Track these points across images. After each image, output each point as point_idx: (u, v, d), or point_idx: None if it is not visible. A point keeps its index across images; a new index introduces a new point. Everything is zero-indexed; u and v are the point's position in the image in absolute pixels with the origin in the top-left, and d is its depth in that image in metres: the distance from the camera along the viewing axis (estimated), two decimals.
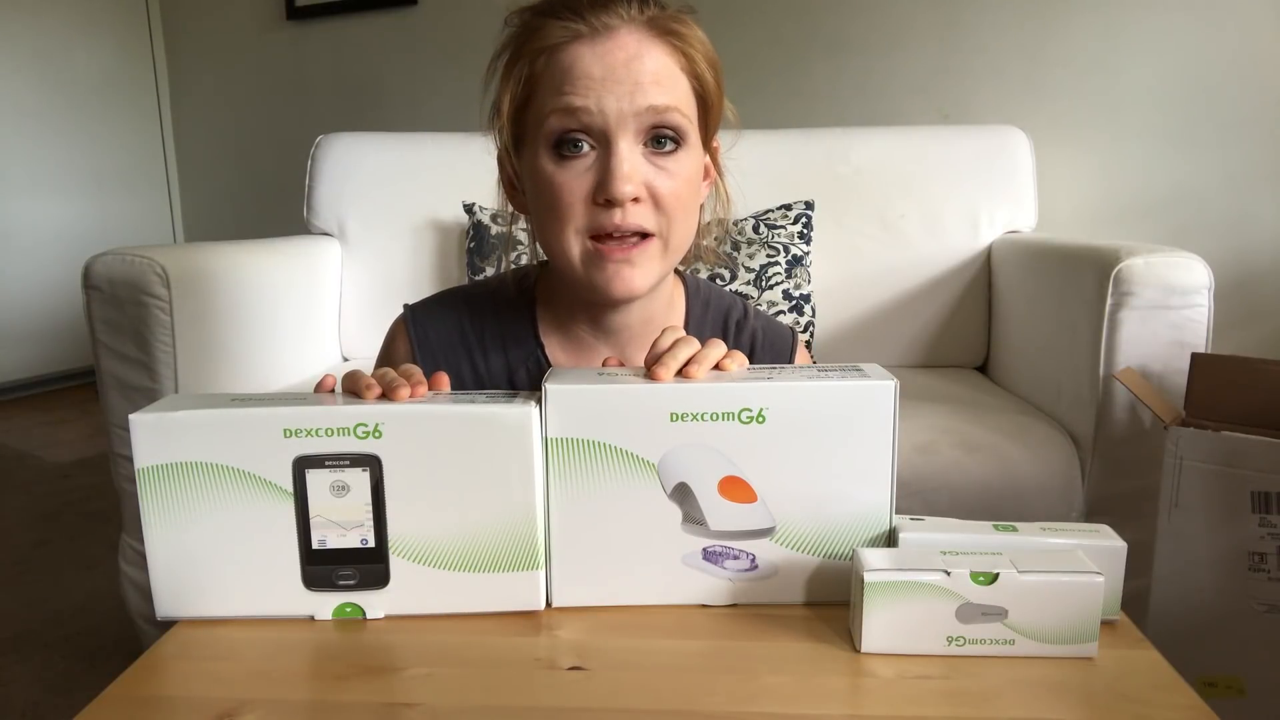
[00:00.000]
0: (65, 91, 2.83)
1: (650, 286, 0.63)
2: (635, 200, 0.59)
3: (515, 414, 0.49)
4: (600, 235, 0.60)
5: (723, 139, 0.71)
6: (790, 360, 0.74)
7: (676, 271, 0.73)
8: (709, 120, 0.65)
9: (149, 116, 2.97)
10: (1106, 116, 1.77)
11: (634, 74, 0.58)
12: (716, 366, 0.54)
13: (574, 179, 0.59)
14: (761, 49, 2.03)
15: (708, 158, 0.68)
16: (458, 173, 1.56)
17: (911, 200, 1.53)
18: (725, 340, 0.70)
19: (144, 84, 2.95)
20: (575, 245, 0.61)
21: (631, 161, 0.59)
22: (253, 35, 2.70)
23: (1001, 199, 1.53)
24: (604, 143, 0.59)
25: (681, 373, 0.52)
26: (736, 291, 1.41)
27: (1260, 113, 1.66)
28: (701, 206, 0.69)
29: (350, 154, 1.67)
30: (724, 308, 0.75)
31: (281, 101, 2.71)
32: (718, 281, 1.40)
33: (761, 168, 1.56)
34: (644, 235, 0.60)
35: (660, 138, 0.60)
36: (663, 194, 0.60)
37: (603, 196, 0.58)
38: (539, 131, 0.60)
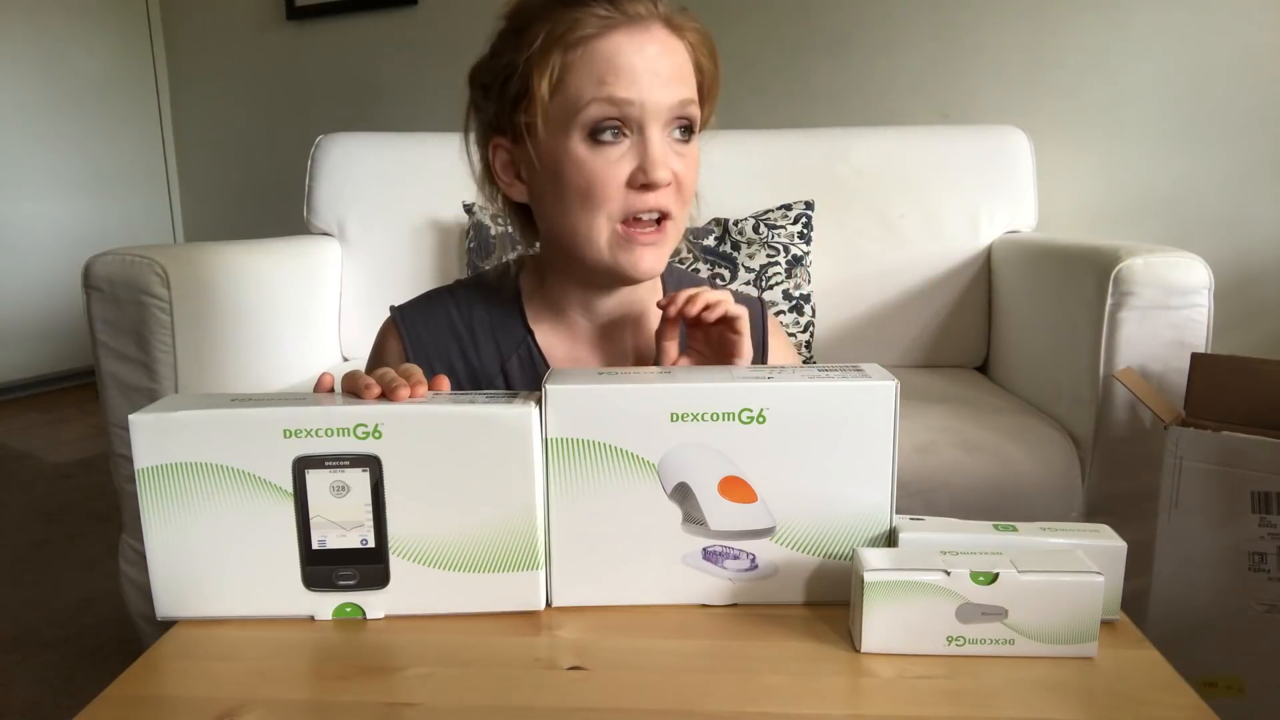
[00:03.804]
0: (65, 91, 2.83)
1: (664, 266, 0.67)
2: (667, 185, 0.63)
3: (515, 414, 0.49)
4: (628, 219, 0.64)
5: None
6: (763, 328, 0.78)
7: None
8: (704, 111, 0.69)
9: (149, 116, 2.97)
10: (1106, 116, 1.77)
11: (666, 68, 0.62)
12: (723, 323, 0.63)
13: (610, 165, 0.62)
14: (761, 49, 2.02)
15: None
16: (458, 173, 1.54)
17: (911, 200, 1.53)
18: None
19: (144, 84, 2.94)
20: (604, 229, 0.64)
21: (663, 148, 0.63)
22: (253, 35, 2.70)
23: (1001, 199, 1.52)
24: (640, 131, 0.62)
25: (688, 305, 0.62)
26: (735, 291, 1.41)
27: (1260, 113, 1.66)
28: None
29: (350, 154, 1.67)
30: (693, 284, 0.81)
31: (281, 101, 2.71)
32: (718, 282, 1.40)
33: (761, 168, 1.56)
34: (663, 217, 0.65)
35: (681, 127, 0.64)
36: (684, 179, 0.64)
37: (644, 180, 0.62)
38: (572, 119, 0.62)
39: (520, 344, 0.72)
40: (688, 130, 0.64)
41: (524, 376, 0.72)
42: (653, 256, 0.65)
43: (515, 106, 0.64)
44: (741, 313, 0.64)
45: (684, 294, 0.64)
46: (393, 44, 2.49)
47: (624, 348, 0.73)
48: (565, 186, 0.63)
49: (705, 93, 0.67)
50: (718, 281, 0.83)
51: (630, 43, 0.61)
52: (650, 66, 0.61)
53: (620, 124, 0.62)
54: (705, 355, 0.68)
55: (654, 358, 0.73)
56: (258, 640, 0.50)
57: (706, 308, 0.63)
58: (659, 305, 0.66)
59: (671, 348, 0.67)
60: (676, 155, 0.64)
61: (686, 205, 0.66)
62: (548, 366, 0.72)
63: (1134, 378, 0.98)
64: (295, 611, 0.51)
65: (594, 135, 0.62)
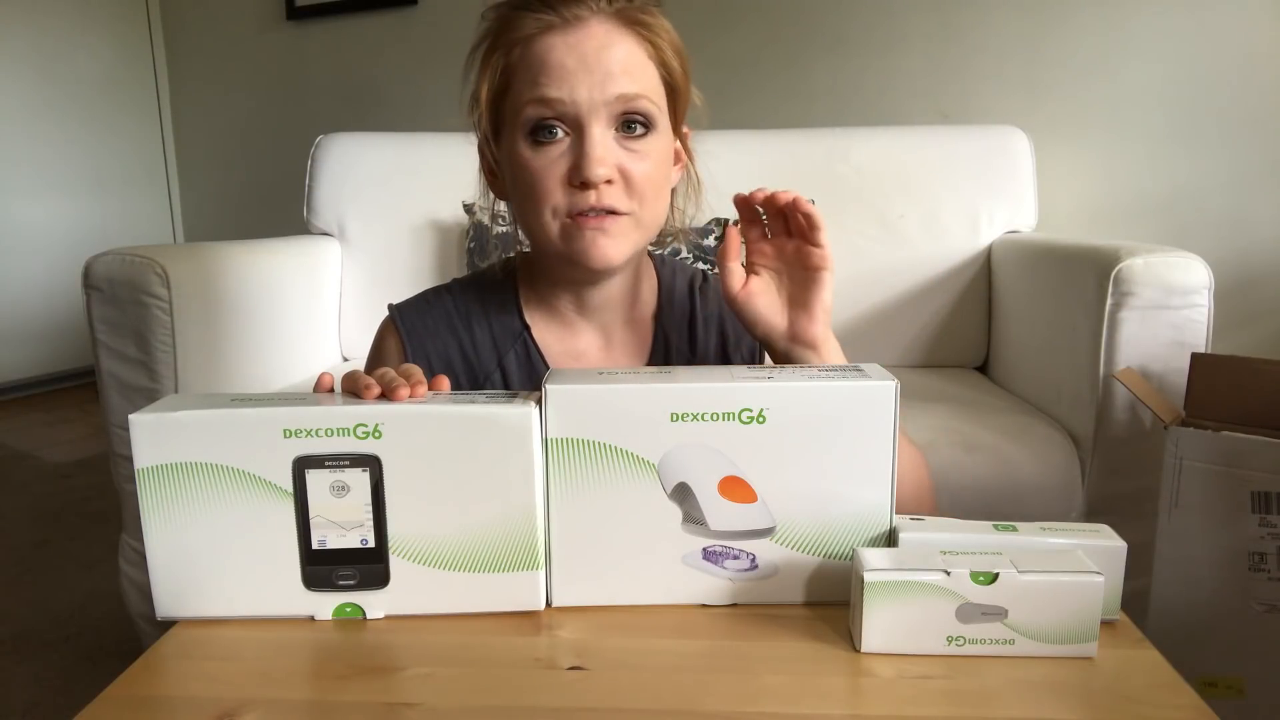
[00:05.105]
0: (65, 91, 2.83)
1: (625, 258, 0.65)
2: (609, 182, 0.62)
3: (515, 414, 0.49)
4: (574, 214, 0.63)
5: (695, 129, 0.74)
6: None
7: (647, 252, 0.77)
8: (677, 106, 0.68)
9: (149, 116, 2.97)
10: (1106, 116, 1.77)
11: (604, 64, 0.61)
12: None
13: (550, 164, 0.63)
14: (761, 49, 2.02)
15: (678, 143, 0.71)
16: (458, 173, 1.54)
17: (911, 200, 1.53)
18: (692, 302, 0.76)
19: (144, 84, 2.94)
20: (553, 223, 0.64)
21: (604, 146, 0.62)
22: (253, 35, 2.70)
23: (1001, 199, 1.52)
24: (577, 129, 0.62)
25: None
26: None
27: (1260, 113, 1.66)
28: (674, 190, 0.72)
29: (350, 154, 1.67)
30: (688, 274, 0.80)
31: (281, 101, 2.71)
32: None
33: (762, 168, 1.56)
34: (612, 212, 0.64)
35: (630, 123, 0.63)
36: (634, 176, 0.63)
37: (578, 179, 0.62)
38: (516, 120, 0.63)
39: (517, 338, 0.73)
40: (640, 125, 0.63)
41: (521, 371, 0.72)
42: (606, 243, 0.63)
43: (472, 111, 0.66)
44: (822, 222, 0.60)
45: (759, 189, 0.62)
46: (393, 44, 2.49)
47: (619, 339, 0.73)
48: (517, 186, 0.65)
49: (673, 87, 0.66)
50: (705, 270, 0.83)
51: (563, 42, 0.61)
52: (585, 65, 0.61)
53: (558, 122, 0.62)
54: (778, 276, 0.64)
55: (655, 345, 0.73)
56: (258, 640, 0.50)
57: (782, 193, 0.61)
58: (735, 201, 0.63)
59: (737, 269, 0.64)
60: (626, 151, 0.63)
61: (648, 200, 0.64)
62: (544, 360, 0.72)
63: (1134, 378, 0.98)
64: (295, 611, 0.51)
65: (533, 135, 0.62)
